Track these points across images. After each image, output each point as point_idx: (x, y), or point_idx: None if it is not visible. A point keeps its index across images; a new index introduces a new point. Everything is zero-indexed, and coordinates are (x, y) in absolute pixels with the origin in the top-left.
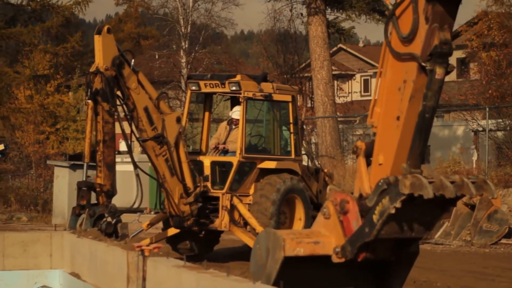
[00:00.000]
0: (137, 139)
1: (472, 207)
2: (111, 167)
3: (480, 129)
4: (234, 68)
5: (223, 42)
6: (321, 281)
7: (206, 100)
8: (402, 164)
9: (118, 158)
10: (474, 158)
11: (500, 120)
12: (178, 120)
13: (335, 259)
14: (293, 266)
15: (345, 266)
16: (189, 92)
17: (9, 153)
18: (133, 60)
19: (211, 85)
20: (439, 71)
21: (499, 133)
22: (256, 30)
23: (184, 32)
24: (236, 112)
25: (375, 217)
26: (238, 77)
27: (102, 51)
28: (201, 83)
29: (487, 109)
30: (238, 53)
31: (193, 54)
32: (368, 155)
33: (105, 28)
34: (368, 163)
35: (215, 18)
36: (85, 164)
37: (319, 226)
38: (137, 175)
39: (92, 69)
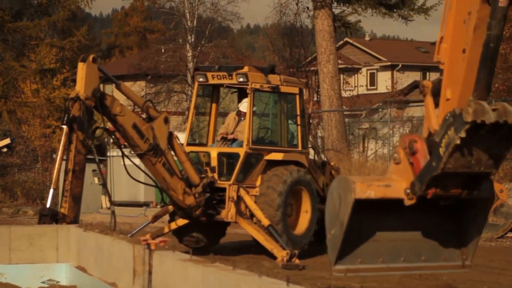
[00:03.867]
0: (132, 160)
1: None
2: (77, 199)
3: None
4: (240, 62)
5: (229, 36)
6: (394, 228)
7: (213, 92)
8: (468, 97)
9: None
10: None
11: None
12: (166, 120)
13: (407, 202)
14: (364, 212)
15: (418, 214)
16: (196, 84)
17: (15, 147)
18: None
19: (219, 77)
20: None
21: None
22: (262, 24)
23: (190, 26)
24: (244, 104)
25: (441, 150)
26: (245, 69)
27: (85, 80)
28: (209, 74)
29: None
30: (244, 47)
31: (199, 48)
32: (435, 93)
33: (91, 57)
34: (436, 102)
35: (221, 12)
36: (51, 190)
37: (391, 173)
38: (113, 212)
39: (72, 95)
